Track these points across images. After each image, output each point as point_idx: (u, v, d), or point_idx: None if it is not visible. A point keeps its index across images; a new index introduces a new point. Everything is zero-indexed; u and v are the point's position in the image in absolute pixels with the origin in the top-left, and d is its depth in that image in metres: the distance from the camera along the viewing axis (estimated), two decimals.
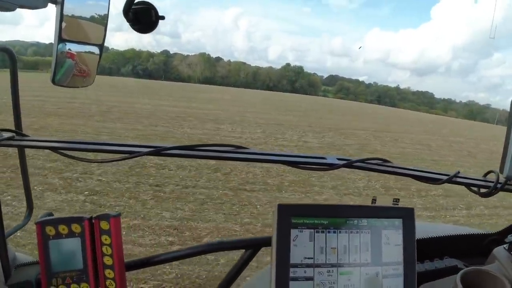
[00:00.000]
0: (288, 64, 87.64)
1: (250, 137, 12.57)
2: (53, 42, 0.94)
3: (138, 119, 14.24)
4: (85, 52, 1.07)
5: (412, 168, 0.93)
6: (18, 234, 3.34)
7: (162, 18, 0.81)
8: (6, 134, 0.84)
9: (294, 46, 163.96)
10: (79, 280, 0.82)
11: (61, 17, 0.92)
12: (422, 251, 1.01)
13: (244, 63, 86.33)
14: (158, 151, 0.79)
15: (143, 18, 0.79)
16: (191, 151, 0.81)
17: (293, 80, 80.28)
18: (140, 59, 73.69)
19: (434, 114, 56.41)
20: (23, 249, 3.53)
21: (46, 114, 12.88)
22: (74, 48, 1.00)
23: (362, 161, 0.88)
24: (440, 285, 0.93)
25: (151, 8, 0.79)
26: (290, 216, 0.78)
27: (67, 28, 0.95)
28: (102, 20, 1.07)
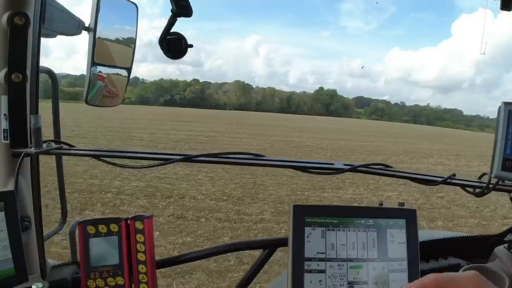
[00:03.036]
0: (321, 88, 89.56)
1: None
2: (85, 67, 1.07)
3: (368, 156, 14.11)
4: (114, 74, 1.19)
5: (410, 171, 1.02)
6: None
7: (191, 46, 0.93)
8: (55, 145, 0.95)
9: (314, 70, 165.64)
10: (115, 274, 0.92)
11: (94, 42, 1.05)
12: (428, 253, 1.09)
13: (274, 89, 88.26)
14: (189, 158, 0.91)
15: (175, 47, 0.91)
16: (216, 158, 0.92)
17: (327, 104, 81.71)
18: (177, 88, 76.43)
19: (473, 132, 56.00)
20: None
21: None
22: (104, 70, 1.12)
23: (366, 165, 0.98)
24: None
25: (181, 38, 0.91)
26: (304, 215, 0.88)
27: (98, 52, 1.07)
28: (130, 44, 1.20)
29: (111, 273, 0.92)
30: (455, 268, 1.07)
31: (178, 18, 0.85)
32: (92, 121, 18.92)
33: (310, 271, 0.86)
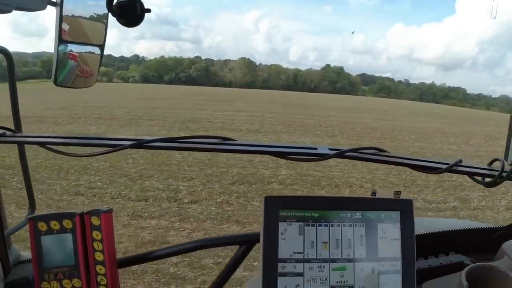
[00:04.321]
0: (328, 65, 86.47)
1: None
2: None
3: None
4: (86, 52, 1.08)
5: (409, 157, 0.88)
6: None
7: (148, 11, 0.80)
8: None
9: (316, 46, 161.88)
10: (70, 275, 0.82)
11: (60, 18, 0.93)
12: (427, 246, 0.96)
13: (280, 66, 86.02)
14: (140, 144, 0.79)
15: (129, 12, 0.79)
16: (174, 143, 0.79)
17: (334, 81, 79.58)
18: (182, 66, 75.08)
19: (479, 110, 54.14)
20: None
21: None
22: (75, 49, 1.02)
23: (355, 150, 0.84)
24: (445, 282, 0.88)
25: (136, 1, 0.78)
26: (278, 208, 0.75)
27: (69, 29, 0.96)
28: (102, 20, 1.08)
29: (66, 274, 0.82)
30: (457, 266, 0.93)
31: None
32: (130, 101, 17.97)
33: (285, 274, 0.73)
